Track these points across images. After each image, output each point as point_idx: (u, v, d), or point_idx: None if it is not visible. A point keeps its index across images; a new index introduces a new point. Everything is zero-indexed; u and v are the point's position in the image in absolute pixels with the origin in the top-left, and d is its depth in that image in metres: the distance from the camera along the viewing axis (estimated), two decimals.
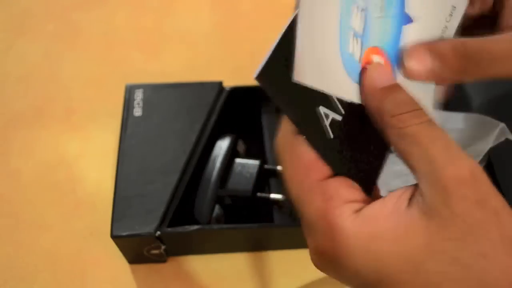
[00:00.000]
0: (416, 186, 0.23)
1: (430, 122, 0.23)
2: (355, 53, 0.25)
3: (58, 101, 0.57)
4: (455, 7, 0.28)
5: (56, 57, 0.61)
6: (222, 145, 0.47)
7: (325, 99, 0.25)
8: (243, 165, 0.47)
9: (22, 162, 0.53)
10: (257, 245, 0.47)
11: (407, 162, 0.23)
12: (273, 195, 0.46)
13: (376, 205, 0.23)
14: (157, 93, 0.50)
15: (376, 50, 0.26)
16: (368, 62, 0.26)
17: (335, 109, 0.25)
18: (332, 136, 0.25)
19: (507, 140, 0.43)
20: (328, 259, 0.25)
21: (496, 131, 0.43)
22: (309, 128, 0.24)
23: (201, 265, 0.47)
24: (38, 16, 0.64)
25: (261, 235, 0.46)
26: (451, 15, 0.28)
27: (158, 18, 0.64)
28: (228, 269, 0.46)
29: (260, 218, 0.45)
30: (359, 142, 0.26)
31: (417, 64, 0.26)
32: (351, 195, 0.24)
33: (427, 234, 0.22)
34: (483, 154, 0.43)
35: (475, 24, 0.31)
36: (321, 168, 0.24)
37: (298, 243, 0.47)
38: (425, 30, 0.28)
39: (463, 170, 0.21)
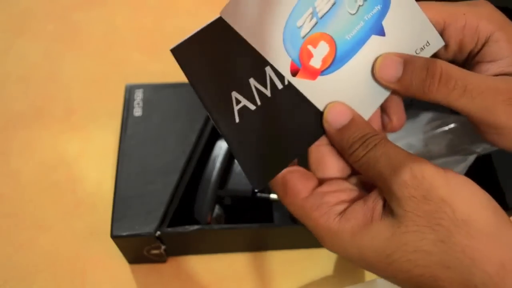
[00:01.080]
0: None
1: (375, 145, 0.27)
2: (302, 29, 0.26)
3: (58, 101, 0.57)
4: (429, 43, 0.29)
5: (56, 57, 0.61)
6: (222, 145, 0.47)
7: (241, 87, 0.26)
8: None
9: (22, 162, 0.53)
10: (257, 245, 0.47)
11: (371, 181, 0.28)
12: (273, 195, 0.46)
13: (356, 206, 0.27)
14: (157, 93, 0.50)
15: (328, 38, 0.27)
16: (313, 44, 0.27)
17: (250, 98, 0.26)
18: (238, 120, 0.27)
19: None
20: (334, 251, 0.29)
21: None
22: (218, 109, 0.26)
23: (201, 265, 0.47)
24: (38, 16, 0.64)
25: (261, 235, 0.46)
26: (422, 48, 0.29)
27: (158, 18, 0.64)
28: (228, 269, 0.46)
29: (260, 218, 0.45)
30: (271, 133, 0.28)
31: (388, 69, 0.29)
32: (335, 199, 0.28)
33: (391, 230, 0.26)
34: (474, 158, 0.43)
35: None
36: (305, 185, 0.29)
37: (298, 243, 0.47)
38: (392, 50, 0.28)
39: (404, 175, 0.25)
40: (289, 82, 0.27)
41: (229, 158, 0.47)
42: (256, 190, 0.46)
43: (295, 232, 0.45)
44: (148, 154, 0.46)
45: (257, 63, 0.26)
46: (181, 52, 0.24)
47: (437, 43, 0.30)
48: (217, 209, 0.46)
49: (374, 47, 0.28)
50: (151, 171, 0.45)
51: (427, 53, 0.30)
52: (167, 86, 0.51)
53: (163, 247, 0.44)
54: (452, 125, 0.48)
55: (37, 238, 0.48)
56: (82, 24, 0.64)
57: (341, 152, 0.29)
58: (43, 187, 0.51)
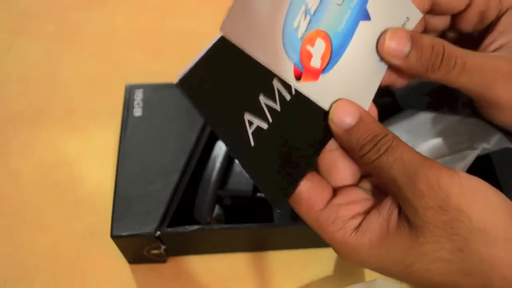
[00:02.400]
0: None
1: (387, 149, 0.26)
2: (299, 29, 0.25)
3: (58, 101, 0.57)
4: (409, 19, 0.29)
5: (56, 57, 0.61)
6: (222, 145, 0.47)
7: (253, 106, 0.25)
8: None
9: (22, 162, 0.53)
10: (257, 245, 0.47)
11: (384, 185, 0.27)
12: None
13: (371, 217, 0.27)
14: (157, 93, 0.50)
15: (323, 34, 0.26)
16: (311, 43, 0.26)
17: (262, 117, 0.25)
18: (253, 144, 0.25)
19: (506, 149, 0.43)
20: (351, 262, 0.29)
21: (493, 138, 0.43)
22: (233, 136, 0.25)
23: (201, 265, 0.47)
24: (38, 16, 0.64)
25: (261, 235, 0.46)
26: (404, 25, 0.29)
27: (158, 18, 0.64)
28: (228, 269, 0.46)
29: (260, 218, 0.45)
30: (284, 149, 0.27)
31: (396, 45, 0.28)
32: (350, 212, 0.28)
33: (409, 241, 0.25)
34: (474, 157, 0.43)
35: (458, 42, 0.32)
36: (320, 197, 0.28)
37: (298, 243, 0.47)
38: (378, 32, 0.28)
39: (420, 185, 0.25)
40: (296, 91, 0.26)
41: (229, 158, 0.47)
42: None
43: (295, 232, 0.45)
44: (148, 154, 0.46)
45: (264, 78, 0.25)
46: (186, 84, 0.22)
47: (416, 17, 0.30)
48: (217, 209, 0.46)
49: (363, 33, 0.28)
50: (151, 171, 0.45)
51: (409, 27, 0.30)
52: (167, 86, 0.51)
53: (163, 247, 0.44)
54: (451, 124, 0.48)
55: (37, 238, 0.48)
56: (82, 24, 0.64)
57: (350, 153, 0.28)
58: (43, 187, 0.51)
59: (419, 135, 0.48)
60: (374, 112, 0.30)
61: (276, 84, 0.25)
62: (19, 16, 0.64)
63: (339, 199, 0.28)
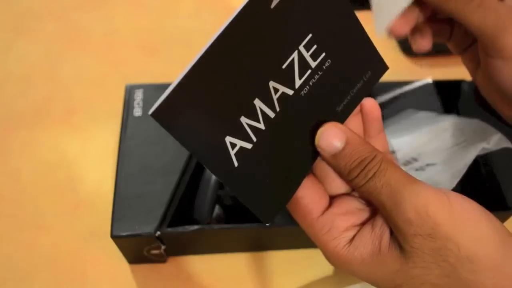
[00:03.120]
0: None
1: (375, 174, 0.26)
2: None
3: (58, 101, 0.57)
4: None
5: (56, 57, 0.61)
6: None
7: (234, 129, 0.24)
8: None
9: (22, 162, 0.53)
10: (257, 245, 0.47)
11: (375, 205, 0.27)
12: None
13: (364, 231, 0.27)
14: (157, 93, 0.50)
15: None
16: None
17: (245, 138, 0.25)
18: (236, 164, 0.25)
19: (506, 149, 0.43)
20: (341, 271, 0.29)
21: (493, 138, 0.43)
22: (214, 159, 0.25)
23: (201, 265, 0.47)
24: (38, 16, 0.64)
25: (261, 235, 0.46)
26: None
27: (158, 18, 0.64)
28: (228, 269, 0.46)
29: None
30: (272, 166, 0.27)
31: None
32: (345, 223, 0.28)
33: (399, 263, 0.26)
34: (473, 157, 0.43)
35: None
36: (317, 205, 0.28)
37: (298, 243, 0.47)
38: None
39: (409, 213, 0.25)
40: (280, 107, 0.25)
41: None
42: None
43: (295, 232, 0.45)
44: (148, 154, 0.46)
45: (244, 99, 0.24)
46: (161, 114, 0.22)
47: None
48: (217, 209, 0.46)
49: None
50: (151, 171, 0.45)
51: None
52: (167, 86, 0.50)
53: (163, 247, 0.44)
54: (452, 124, 0.48)
55: (37, 238, 0.48)
56: (82, 24, 0.64)
57: (340, 176, 0.28)
58: (43, 187, 0.51)
59: (420, 135, 0.48)
60: (378, 111, 0.30)
61: (257, 103, 0.25)
62: (19, 16, 0.64)
63: (335, 208, 0.29)
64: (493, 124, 0.44)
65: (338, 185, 0.29)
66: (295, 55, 0.25)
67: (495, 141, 0.43)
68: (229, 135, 0.25)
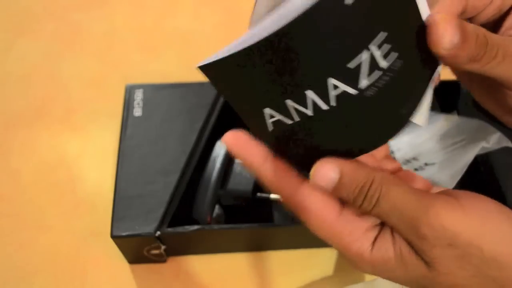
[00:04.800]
0: None
1: (379, 199, 0.26)
2: None
3: (58, 101, 0.57)
4: None
5: (56, 57, 0.61)
6: (222, 145, 0.47)
7: (275, 105, 0.24)
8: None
9: (22, 162, 0.53)
10: (257, 245, 0.47)
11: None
12: (273, 195, 0.46)
13: (386, 235, 0.27)
14: (157, 93, 0.50)
15: None
16: None
17: (286, 115, 0.25)
18: (271, 129, 0.26)
19: (506, 148, 0.43)
20: (365, 272, 0.28)
21: (493, 137, 0.43)
22: (251, 120, 0.25)
23: (201, 265, 0.47)
24: (38, 16, 0.64)
25: (261, 235, 0.46)
26: None
27: (158, 18, 0.64)
28: (228, 269, 0.46)
29: (260, 218, 0.45)
30: (303, 146, 0.26)
31: (447, 32, 0.25)
32: (365, 223, 0.27)
33: (422, 269, 0.26)
34: (473, 156, 0.43)
35: None
36: (331, 207, 0.27)
37: (298, 243, 0.47)
38: None
39: (423, 229, 0.24)
40: (337, 103, 0.24)
41: (229, 158, 0.47)
42: (257, 194, 0.46)
43: (295, 232, 0.45)
44: (148, 154, 0.46)
45: (295, 87, 0.24)
46: (210, 72, 0.23)
47: None
48: (217, 209, 0.46)
49: None
50: (151, 171, 0.45)
51: None
52: (167, 86, 0.51)
53: (163, 247, 0.44)
54: (452, 124, 0.48)
55: (37, 238, 0.48)
56: (82, 24, 0.64)
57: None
58: (43, 187, 0.51)
59: (419, 135, 0.48)
60: None
61: (310, 94, 0.24)
62: (19, 16, 0.64)
63: (351, 209, 0.28)
64: (492, 123, 0.44)
65: None
66: (364, 54, 0.24)
67: (494, 140, 0.43)
68: (270, 108, 0.25)
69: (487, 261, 0.24)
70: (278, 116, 0.25)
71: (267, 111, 0.25)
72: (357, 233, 0.27)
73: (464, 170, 0.43)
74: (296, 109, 0.24)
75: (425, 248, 0.25)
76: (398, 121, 0.27)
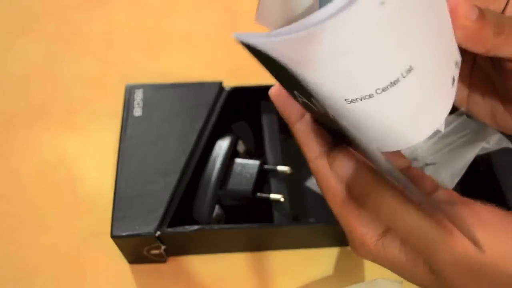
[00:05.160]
0: None
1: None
2: None
3: (58, 101, 0.57)
4: None
5: (56, 57, 0.61)
6: (222, 145, 0.47)
7: (298, 89, 0.24)
8: (243, 165, 0.47)
9: (22, 162, 0.53)
10: (257, 245, 0.47)
11: None
12: (273, 195, 0.46)
13: (395, 241, 0.26)
14: (157, 93, 0.50)
15: None
16: None
17: (311, 102, 0.25)
18: (302, 105, 0.26)
19: (506, 148, 0.43)
20: (364, 258, 0.28)
21: (493, 138, 0.43)
22: (289, 93, 0.26)
23: (201, 265, 0.47)
24: (38, 16, 0.64)
25: (261, 235, 0.46)
26: None
27: (158, 18, 0.64)
28: (228, 269, 0.46)
29: (260, 218, 0.45)
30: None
31: (468, 10, 0.24)
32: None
33: (429, 279, 0.25)
34: (473, 156, 0.43)
35: None
36: (351, 191, 0.27)
37: (298, 243, 0.47)
38: None
39: (440, 255, 0.23)
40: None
41: (229, 158, 0.47)
42: (257, 194, 0.46)
43: (295, 232, 0.45)
44: (148, 154, 0.46)
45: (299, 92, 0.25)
46: (251, 49, 0.22)
47: None
48: (217, 209, 0.46)
49: None
50: (151, 171, 0.45)
51: None
52: (167, 86, 0.51)
53: (163, 247, 0.44)
54: (452, 124, 0.48)
55: (37, 238, 0.48)
56: (82, 24, 0.64)
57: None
58: (43, 187, 0.51)
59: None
60: None
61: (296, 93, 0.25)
62: (19, 16, 0.64)
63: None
64: None
65: None
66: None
67: (494, 140, 0.43)
68: (296, 91, 0.25)
69: (504, 277, 0.23)
70: (303, 100, 0.25)
71: (296, 93, 0.25)
72: (365, 219, 0.26)
73: (464, 170, 0.43)
74: (315, 101, 0.24)
75: (440, 268, 0.24)
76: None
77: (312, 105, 0.25)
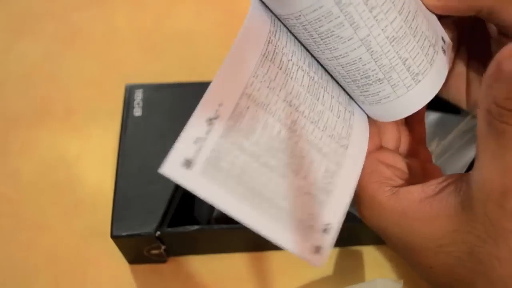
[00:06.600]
0: (462, 176, 0.24)
1: None
2: None
3: (58, 101, 0.57)
4: None
5: (56, 57, 0.61)
6: None
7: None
8: None
9: (22, 162, 0.53)
10: (257, 245, 0.47)
11: (479, 146, 0.22)
12: None
13: (415, 187, 0.24)
14: (157, 93, 0.50)
15: None
16: None
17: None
18: None
19: None
20: (369, 223, 0.26)
21: None
22: None
23: (201, 265, 0.47)
24: (38, 16, 0.64)
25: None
26: None
27: (158, 18, 0.64)
28: (228, 269, 0.46)
29: None
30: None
31: None
32: (390, 173, 0.26)
33: (456, 222, 0.23)
34: (472, 158, 0.43)
35: None
36: (376, 143, 0.27)
37: None
38: None
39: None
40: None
41: None
42: None
43: None
44: (148, 154, 0.46)
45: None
46: None
47: None
48: (217, 209, 0.46)
49: None
50: (151, 171, 0.45)
51: None
52: (167, 86, 0.51)
53: (163, 247, 0.44)
54: (452, 123, 0.48)
55: (37, 238, 0.48)
56: (82, 24, 0.64)
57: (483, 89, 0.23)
58: (43, 187, 0.51)
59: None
60: None
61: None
62: (19, 16, 0.64)
63: (382, 156, 0.26)
64: None
65: (388, 139, 0.28)
66: None
67: None
68: None
69: None
70: None
71: None
72: (378, 176, 0.25)
73: (464, 170, 0.43)
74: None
75: (502, 218, 0.21)
76: None
77: None
